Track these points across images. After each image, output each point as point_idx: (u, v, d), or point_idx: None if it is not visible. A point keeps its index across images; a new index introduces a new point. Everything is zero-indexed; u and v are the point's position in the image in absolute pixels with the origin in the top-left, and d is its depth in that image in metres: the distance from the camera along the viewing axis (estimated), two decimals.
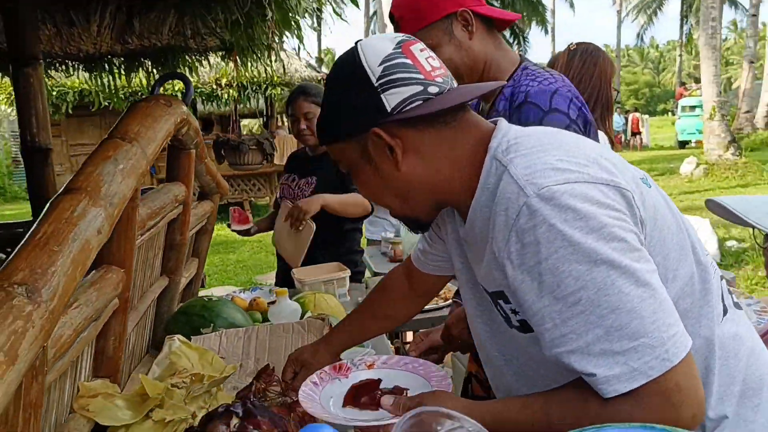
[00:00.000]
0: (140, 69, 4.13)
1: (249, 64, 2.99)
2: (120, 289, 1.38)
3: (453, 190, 1.05)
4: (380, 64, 0.99)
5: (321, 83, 11.53)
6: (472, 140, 1.03)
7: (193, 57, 4.23)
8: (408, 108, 0.98)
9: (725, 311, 1.07)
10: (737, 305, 1.13)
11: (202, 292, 3.00)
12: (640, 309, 0.83)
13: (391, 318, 1.54)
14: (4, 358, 0.75)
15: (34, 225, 1.01)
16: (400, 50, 1.00)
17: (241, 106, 11.81)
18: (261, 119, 13.15)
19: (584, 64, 2.24)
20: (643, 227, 0.92)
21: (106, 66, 3.98)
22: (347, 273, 2.74)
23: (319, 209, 2.72)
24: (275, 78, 10.61)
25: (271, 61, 2.67)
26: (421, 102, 0.98)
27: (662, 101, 66.04)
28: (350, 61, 1.02)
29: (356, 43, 1.04)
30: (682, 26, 36.07)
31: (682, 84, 31.50)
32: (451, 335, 1.72)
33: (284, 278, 3.07)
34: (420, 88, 0.98)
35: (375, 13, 23.74)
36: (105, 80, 3.95)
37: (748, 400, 1.05)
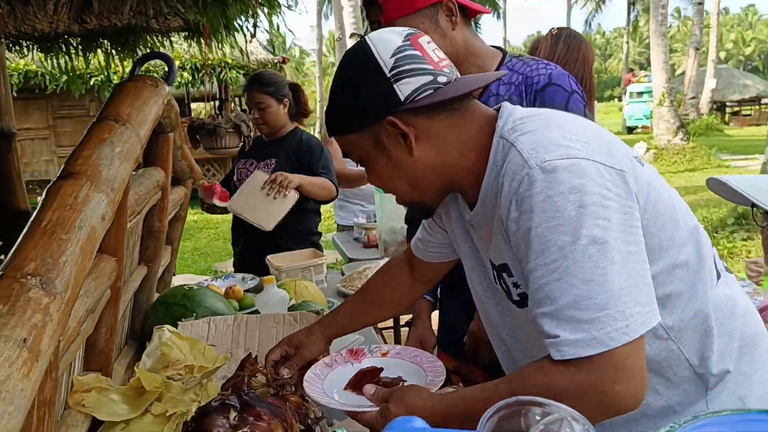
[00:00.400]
0: (98, 50, 3.97)
1: (218, 45, 2.90)
2: (113, 278, 1.32)
3: (462, 172, 1.10)
4: (392, 56, 1.03)
5: (276, 67, 11.35)
6: (478, 124, 1.08)
7: (155, 38, 4.08)
8: (420, 97, 1.03)
9: (719, 275, 1.12)
10: (727, 269, 1.19)
11: None
12: (611, 283, 0.88)
13: (392, 303, 1.52)
14: (29, 354, 0.70)
15: (36, 212, 0.95)
16: (409, 42, 1.05)
17: (195, 89, 11.54)
18: (214, 102, 12.90)
19: (568, 49, 2.25)
20: (638, 202, 0.97)
21: (63, 46, 3.81)
22: (324, 259, 2.72)
23: (297, 185, 2.78)
24: (230, 60, 10.40)
25: (245, 42, 2.58)
26: (431, 91, 1.03)
27: (609, 87, 67.56)
28: (361, 55, 1.06)
29: (364, 37, 1.08)
30: (629, 14, 36.85)
31: (630, 70, 32.28)
32: (479, 341, 1.68)
33: (243, 265, 3.06)
34: (430, 77, 1.03)
35: None
36: (62, 61, 3.78)
37: (746, 356, 1.11)
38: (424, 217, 1.32)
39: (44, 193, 1.02)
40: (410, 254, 1.47)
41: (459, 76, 1.08)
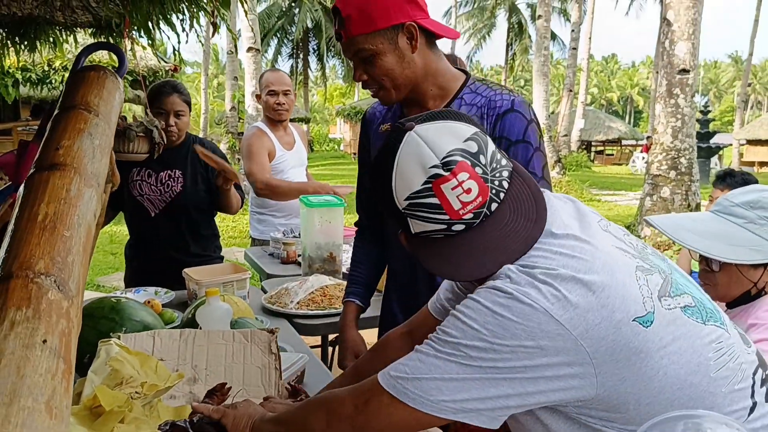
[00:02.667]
0: None
1: (143, 44, 2.72)
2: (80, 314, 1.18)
3: None
4: (405, 200, 1.00)
5: (169, 74, 10.86)
6: None
7: (58, 31, 3.78)
8: (430, 237, 1.02)
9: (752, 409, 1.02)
10: None
11: None
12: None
13: None
14: (65, 366, 0.61)
15: (23, 204, 0.83)
16: (431, 187, 0.98)
17: None
18: None
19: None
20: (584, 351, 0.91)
21: None
22: (247, 275, 2.61)
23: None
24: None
25: (179, 42, 2.43)
26: (442, 236, 1.01)
27: None
28: (380, 175, 1.04)
29: (391, 163, 1.02)
30: (507, 53, 38.97)
31: None
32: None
33: (137, 279, 2.90)
34: (443, 227, 1.00)
35: None
36: None
37: None
38: None
39: (24, 185, 0.90)
40: (411, 326, 1.41)
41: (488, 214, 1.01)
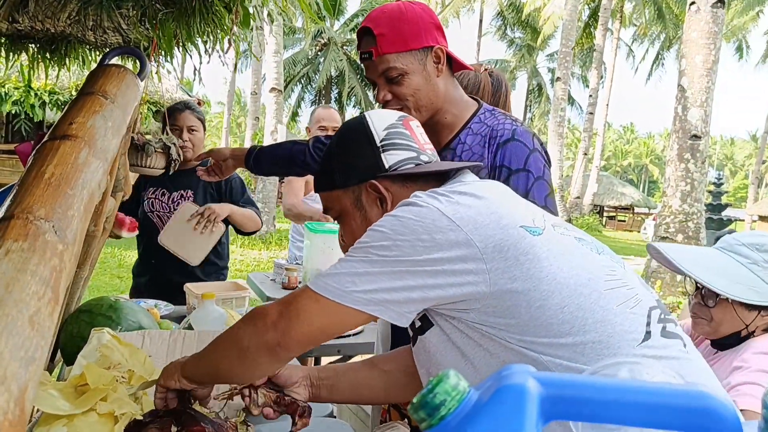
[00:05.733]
0: (23, 53, 3.75)
1: (168, 66, 2.83)
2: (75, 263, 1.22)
3: None
4: (384, 129, 1.21)
5: None
6: None
7: (86, 51, 3.92)
8: (401, 168, 1.19)
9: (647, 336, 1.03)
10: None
11: None
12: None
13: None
14: (52, 294, 0.64)
15: (32, 165, 0.88)
16: (402, 123, 1.23)
17: None
18: None
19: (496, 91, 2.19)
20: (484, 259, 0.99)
21: None
22: (247, 293, 2.63)
23: (226, 216, 2.80)
24: (145, 95, 10.09)
25: (200, 63, 2.52)
26: (412, 165, 1.19)
27: None
28: (359, 124, 1.24)
29: (364, 112, 1.26)
30: (525, 114, 39.49)
31: None
32: None
33: (141, 292, 2.96)
34: (414, 154, 1.20)
35: None
36: None
37: None
38: None
39: (33, 153, 0.95)
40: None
41: (438, 160, 1.25)
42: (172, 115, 2.93)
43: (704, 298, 1.59)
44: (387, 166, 1.18)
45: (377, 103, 1.65)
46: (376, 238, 1.02)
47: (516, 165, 1.58)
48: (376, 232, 1.03)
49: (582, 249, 1.05)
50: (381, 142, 1.20)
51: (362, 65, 1.62)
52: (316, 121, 3.67)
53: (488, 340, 1.00)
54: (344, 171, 1.23)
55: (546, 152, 1.65)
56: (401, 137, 1.20)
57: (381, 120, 1.23)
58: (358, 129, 1.23)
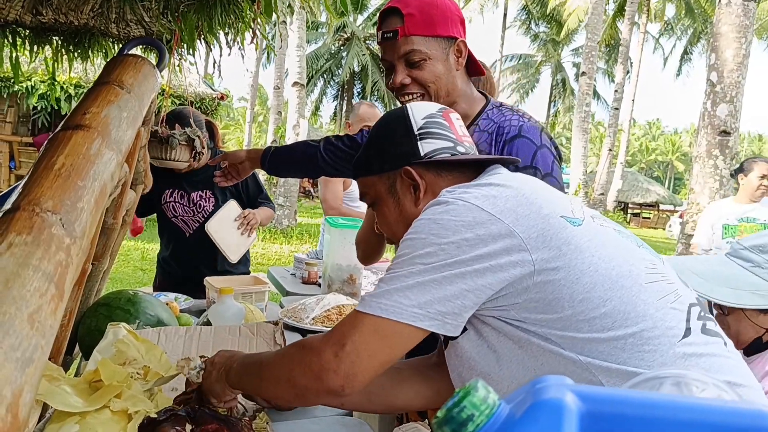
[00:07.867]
0: (47, 45, 3.77)
1: (189, 59, 2.81)
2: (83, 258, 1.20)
3: None
4: (423, 119, 1.21)
5: (215, 103, 11.11)
6: None
7: (109, 43, 3.92)
8: (437, 156, 1.18)
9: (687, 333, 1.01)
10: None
11: None
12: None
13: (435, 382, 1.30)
14: (56, 291, 0.61)
15: (43, 155, 0.85)
16: (442, 114, 1.24)
17: None
18: None
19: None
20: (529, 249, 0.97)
21: (10, 36, 3.58)
22: (267, 287, 2.61)
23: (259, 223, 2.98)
24: (167, 88, 10.15)
25: (220, 56, 2.49)
26: (448, 155, 1.19)
27: None
28: (398, 114, 1.25)
29: (406, 104, 1.27)
30: (549, 109, 39.09)
31: None
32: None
33: (165, 284, 3.00)
34: (450, 144, 1.20)
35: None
36: (5, 51, 3.54)
37: None
38: None
39: (46, 143, 0.92)
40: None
41: (477, 153, 1.25)
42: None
43: (719, 306, 1.57)
44: (422, 154, 1.18)
45: (389, 90, 1.61)
46: (417, 246, 0.99)
47: (523, 162, 1.52)
48: (415, 240, 1.00)
49: (623, 241, 1.03)
50: (419, 130, 1.20)
51: (380, 47, 1.58)
52: (360, 119, 3.64)
53: (527, 339, 0.98)
54: (380, 157, 1.23)
55: (556, 147, 1.60)
56: (439, 127, 1.21)
57: (421, 110, 1.23)
58: (398, 117, 1.24)
